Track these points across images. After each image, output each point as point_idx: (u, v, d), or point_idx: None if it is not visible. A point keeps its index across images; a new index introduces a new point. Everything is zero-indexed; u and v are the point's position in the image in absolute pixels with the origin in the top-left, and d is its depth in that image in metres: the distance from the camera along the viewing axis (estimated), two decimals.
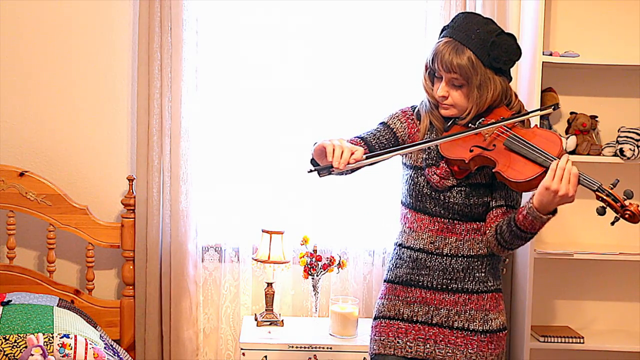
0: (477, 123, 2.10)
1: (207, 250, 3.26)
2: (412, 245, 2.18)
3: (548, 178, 1.90)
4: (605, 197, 1.88)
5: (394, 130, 2.22)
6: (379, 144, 2.19)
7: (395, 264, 2.23)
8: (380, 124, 2.25)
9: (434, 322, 2.16)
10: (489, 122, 2.08)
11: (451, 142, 2.08)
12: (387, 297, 2.23)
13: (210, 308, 3.27)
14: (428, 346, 2.16)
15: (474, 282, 2.15)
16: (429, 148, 2.15)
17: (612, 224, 1.92)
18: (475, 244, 2.16)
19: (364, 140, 2.19)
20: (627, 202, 1.87)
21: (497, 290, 2.20)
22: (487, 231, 2.15)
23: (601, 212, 1.89)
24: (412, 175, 2.17)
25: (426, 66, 2.15)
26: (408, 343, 2.17)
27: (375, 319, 2.25)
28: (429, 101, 2.18)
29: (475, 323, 2.15)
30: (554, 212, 1.98)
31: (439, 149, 2.12)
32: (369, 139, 2.20)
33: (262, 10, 3.21)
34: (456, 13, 3.04)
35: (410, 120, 2.23)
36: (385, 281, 2.27)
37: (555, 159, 1.94)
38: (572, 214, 3.30)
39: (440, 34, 2.14)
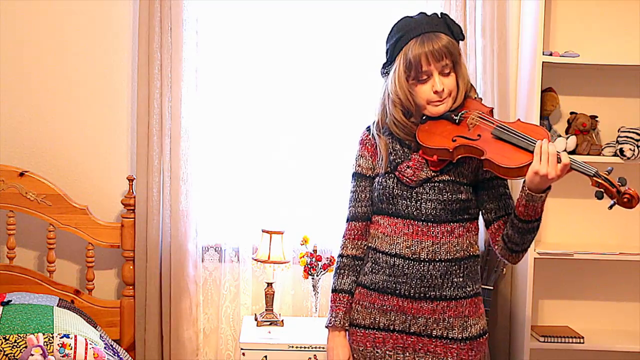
0: (460, 114, 2.10)
1: (207, 250, 3.26)
2: (387, 251, 2.13)
3: (535, 163, 1.91)
4: (602, 182, 1.90)
5: (362, 173, 2.23)
6: (364, 201, 2.21)
7: (372, 269, 2.17)
8: (353, 177, 2.26)
9: (411, 330, 2.12)
10: (474, 115, 2.09)
11: (428, 133, 2.09)
12: (361, 303, 2.18)
13: (210, 308, 3.27)
14: (407, 354, 2.12)
15: (452, 288, 2.11)
16: (393, 149, 2.15)
17: (610, 207, 1.92)
18: (452, 246, 2.11)
19: (359, 216, 2.21)
20: (622, 188, 1.88)
21: (477, 294, 2.16)
22: (496, 247, 2.15)
23: (600, 196, 1.91)
24: (379, 180, 2.17)
25: (406, 76, 2.08)
26: (387, 352, 2.14)
27: (351, 325, 2.20)
28: (402, 115, 2.12)
29: (454, 331, 2.11)
30: (548, 187, 1.98)
31: (418, 140, 2.10)
32: (360, 211, 2.21)
33: (262, 10, 3.21)
34: (455, 13, 3.09)
35: (368, 144, 2.23)
36: (359, 285, 2.21)
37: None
38: (572, 214, 3.31)
39: (395, 44, 2.10)
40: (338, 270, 2.24)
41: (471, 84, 2.19)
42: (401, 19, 2.14)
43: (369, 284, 2.17)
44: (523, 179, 1.98)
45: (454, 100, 2.11)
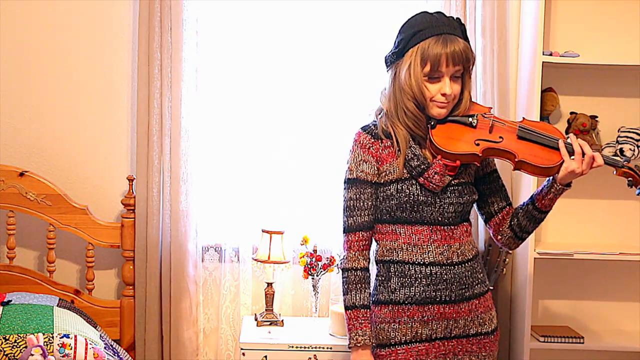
0: (473, 117, 2.11)
1: (207, 250, 3.26)
2: (420, 261, 2.11)
3: (570, 162, 2.01)
4: (628, 172, 2.04)
5: (367, 180, 2.15)
6: (370, 209, 2.14)
7: (402, 283, 2.12)
8: (352, 183, 2.16)
9: (452, 335, 2.14)
10: (489, 117, 2.11)
11: (447, 138, 2.09)
12: (397, 320, 2.13)
13: (210, 308, 3.27)
14: (448, 359, 2.16)
15: (478, 285, 2.18)
16: (414, 154, 2.11)
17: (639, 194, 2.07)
18: (469, 245, 2.18)
19: (365, 226, 2.15)
20: None
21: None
22: (500, 237, 2.21)
23: (631, 184, 2.08)
24: (400, 187, 2.11)
25: (423, 72, 2.05)
26: None
27: (385, 346, 2.14)
28: (415, 107, 2.09)
29: (485, 326, 2.18)
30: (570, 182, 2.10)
31: (437, 147, 2.09)
32: (366, 220, 2.15)
33: (262, 10, 3.21)
34: (455, 13, 3.09)
35: (372, 148, 2.16)
36: (387, 303, 2.15)
37: (567, 142, 2.04)
38: (572, 214, 3.30)
39: (412, 36, 2.06)
40: (355, 285, 2.14)
41: None
42: (419, 13, 2.13)
43: (403, 300, 2.13)
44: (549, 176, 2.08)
45: (453, 105, 2.12)
